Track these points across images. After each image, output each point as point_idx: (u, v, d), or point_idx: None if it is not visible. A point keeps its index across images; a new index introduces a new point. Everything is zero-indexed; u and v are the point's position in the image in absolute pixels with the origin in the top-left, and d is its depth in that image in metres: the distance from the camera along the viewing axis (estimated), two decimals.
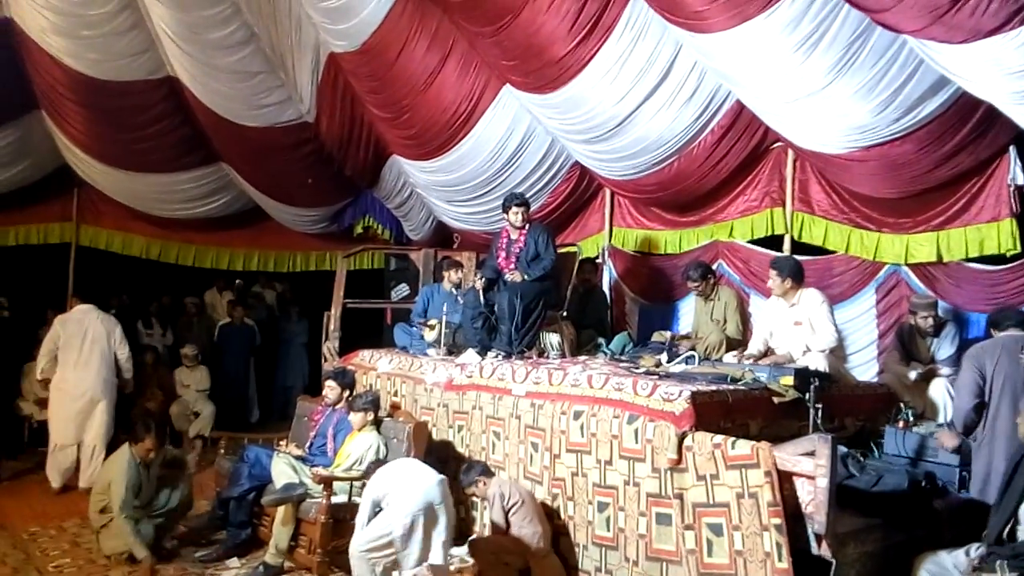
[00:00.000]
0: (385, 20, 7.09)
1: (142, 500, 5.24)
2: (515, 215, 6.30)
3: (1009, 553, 3.49)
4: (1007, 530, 3.62)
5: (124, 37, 7.60)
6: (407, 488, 4.36)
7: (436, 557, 4.27)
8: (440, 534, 4.31)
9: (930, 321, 5.41)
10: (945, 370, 5.32)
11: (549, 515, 4.81)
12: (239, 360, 9.69)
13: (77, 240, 9.64)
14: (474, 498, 5.17)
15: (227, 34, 7.67)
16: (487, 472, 4.98)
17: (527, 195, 6.85)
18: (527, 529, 4.60)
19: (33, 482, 7.11)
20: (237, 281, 10.83)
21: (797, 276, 5.46)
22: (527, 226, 6.33)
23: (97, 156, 8.65)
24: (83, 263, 9.63)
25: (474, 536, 5.10)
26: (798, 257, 6.04)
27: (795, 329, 5.40)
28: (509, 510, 4.65)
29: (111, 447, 6.39)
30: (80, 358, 6.78)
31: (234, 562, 5.17)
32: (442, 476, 4.54)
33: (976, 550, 3.65)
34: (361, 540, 4.32)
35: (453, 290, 7.07)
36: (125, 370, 7.09)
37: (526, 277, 6.08)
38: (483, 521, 5.18)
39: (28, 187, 8.98)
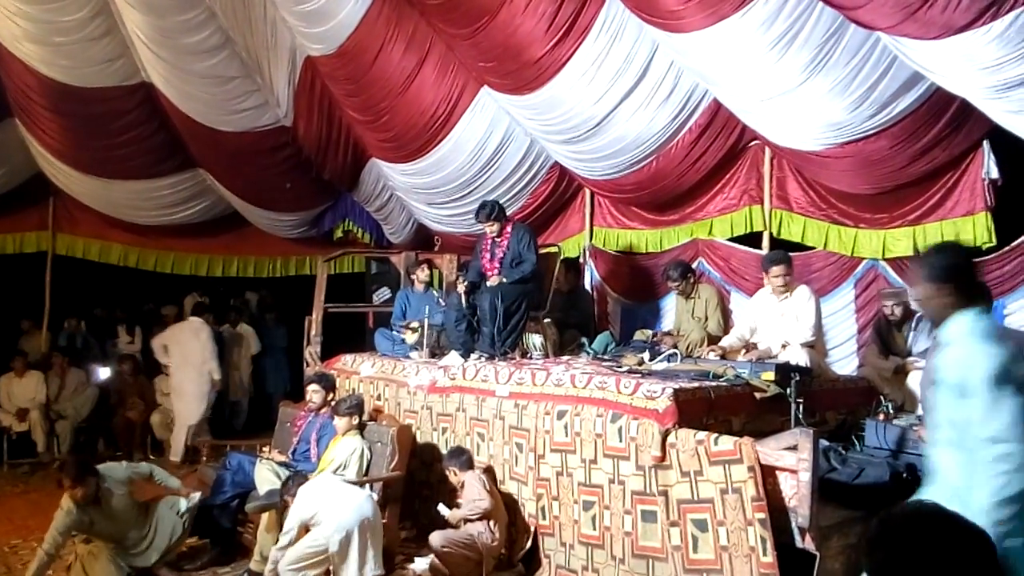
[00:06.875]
0: (361, 23, 7.07)
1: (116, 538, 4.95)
2: (490, 228, 6.26)
3: None
4: None
5: (98, 43, 7.54)
6: (339, 504, 4.56)
7: (370, 569, 4.49)
8: (373, 546, 4.52)
9: (898, 311, 5.46)
10: (922, 362, 5.37)
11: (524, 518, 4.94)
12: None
13: (54, 249, 9.51)
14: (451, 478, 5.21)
15: (202, 39, 7.62)
16: (469, 465, 5.09)
17: (507, 197, 6.86)
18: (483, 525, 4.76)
19: (13, 495, 7.04)
20: (220, 288, 10.73)
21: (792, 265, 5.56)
22: (510, 228, 6.33)
23: (72, 164, 8.56)
24: (59, 272, 9.52)
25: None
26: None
27: (779, 322, 5.44)
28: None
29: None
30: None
31: (219, 570, 5.14)
32: (370, 493, 4.80)
33: None
34: (291, 556, 4.45)
35: (435, 292, 7.04)
36: None
37: (504, 280, 6.07)
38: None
39: (3, 196, 8.85)
